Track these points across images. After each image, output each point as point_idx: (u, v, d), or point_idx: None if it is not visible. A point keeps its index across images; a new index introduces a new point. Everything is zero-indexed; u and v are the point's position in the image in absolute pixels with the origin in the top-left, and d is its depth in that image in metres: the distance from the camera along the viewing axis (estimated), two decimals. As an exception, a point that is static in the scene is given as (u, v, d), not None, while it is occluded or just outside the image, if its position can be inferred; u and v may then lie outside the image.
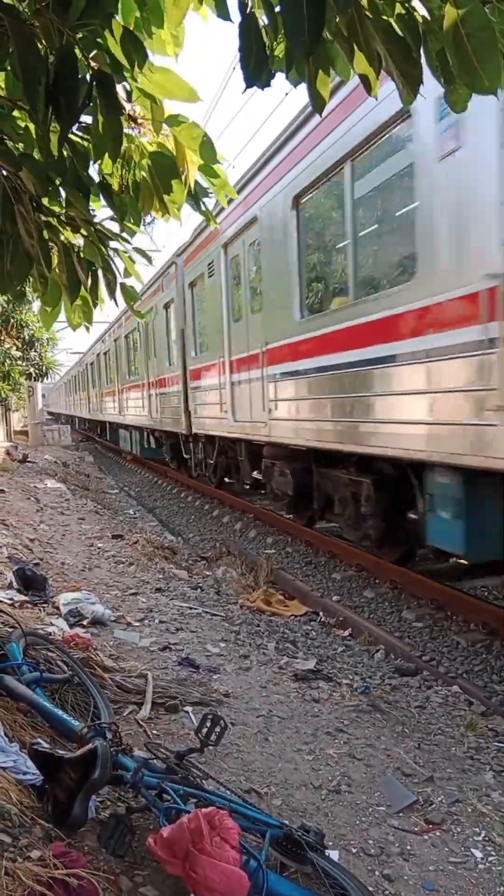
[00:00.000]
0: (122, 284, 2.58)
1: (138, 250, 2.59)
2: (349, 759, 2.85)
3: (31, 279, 2.38)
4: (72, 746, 2.18)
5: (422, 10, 1.34)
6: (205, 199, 2.34)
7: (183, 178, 2.11)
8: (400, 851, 2.27)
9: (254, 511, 10.06)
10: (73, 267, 2.30)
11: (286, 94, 11.92)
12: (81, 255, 2.33)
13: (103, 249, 2.34)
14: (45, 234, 2.26)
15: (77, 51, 1.63)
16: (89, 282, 2.41)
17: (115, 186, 2.14)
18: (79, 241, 2.39)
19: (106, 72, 1.68)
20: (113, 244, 2.46)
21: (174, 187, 2.09)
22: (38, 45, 1.63)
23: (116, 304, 2.63)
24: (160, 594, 5.51)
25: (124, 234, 2.42)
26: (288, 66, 1.41)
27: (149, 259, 2.63)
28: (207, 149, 2.08)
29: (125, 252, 2.56)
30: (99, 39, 1.69)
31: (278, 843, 1.87)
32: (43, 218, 2.27)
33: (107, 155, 1.93)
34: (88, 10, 1.57)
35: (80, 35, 1.64)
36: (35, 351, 15.26)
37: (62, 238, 2.34)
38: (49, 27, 1.59)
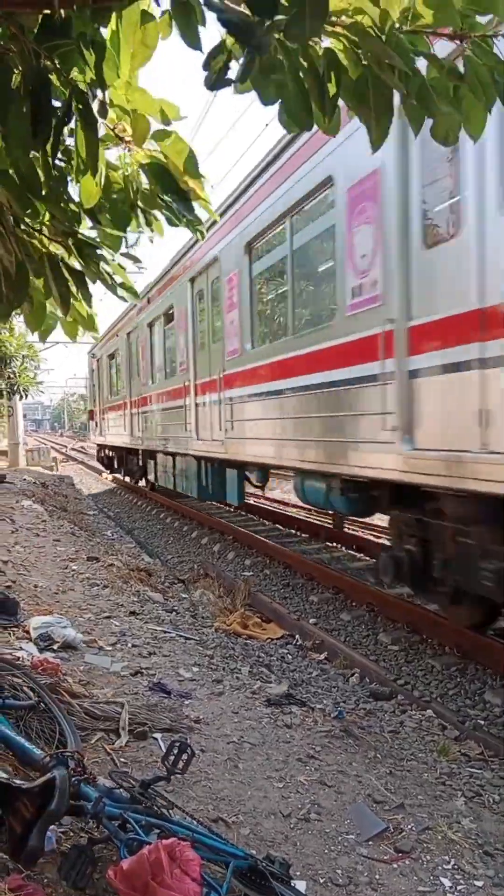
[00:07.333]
0: (123, 284, 2.58)
1: (129, 256, 2.57)
2: (320, 787, 2.81)
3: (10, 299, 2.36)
4: (34, 775, 2.12)
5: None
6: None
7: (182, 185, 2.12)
8: (368, 881, 2.23)
9: (233, 532, 10.01)
10: (63, 278, 2.29)
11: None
12: (70, 265, 2.32)
13: (89, 260, 2.33)
14: (35, 245, 2.25)
15: (53, 71, 1.65)
16: (78, 293, 2.39)
17: (87, 204, 2.14)
18: (61, 251, 2.38)
19: (81, 89, 1.70)
20: (100, 252, 2.44)
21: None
22: (13, 68, 1.65)
23: (126, 300, 2.62)
24: (134, 617, 5.43)
25: (106, 246, 2.41)
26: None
27: (138, 262, 2.64)
28: (191, 163, 2.10)
29: (113, 261, 2.55)
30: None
31: (242, 874, 1.83)
32: (23, 227, 2.26)
33: (88, 174, 1.94)
34: (60, 33, 1.59)
35: (56, 54, 1.65)
36: (10, 369, 15.09)
37: (45, 249, 2.32)
38: (24, 50, 1.61)
